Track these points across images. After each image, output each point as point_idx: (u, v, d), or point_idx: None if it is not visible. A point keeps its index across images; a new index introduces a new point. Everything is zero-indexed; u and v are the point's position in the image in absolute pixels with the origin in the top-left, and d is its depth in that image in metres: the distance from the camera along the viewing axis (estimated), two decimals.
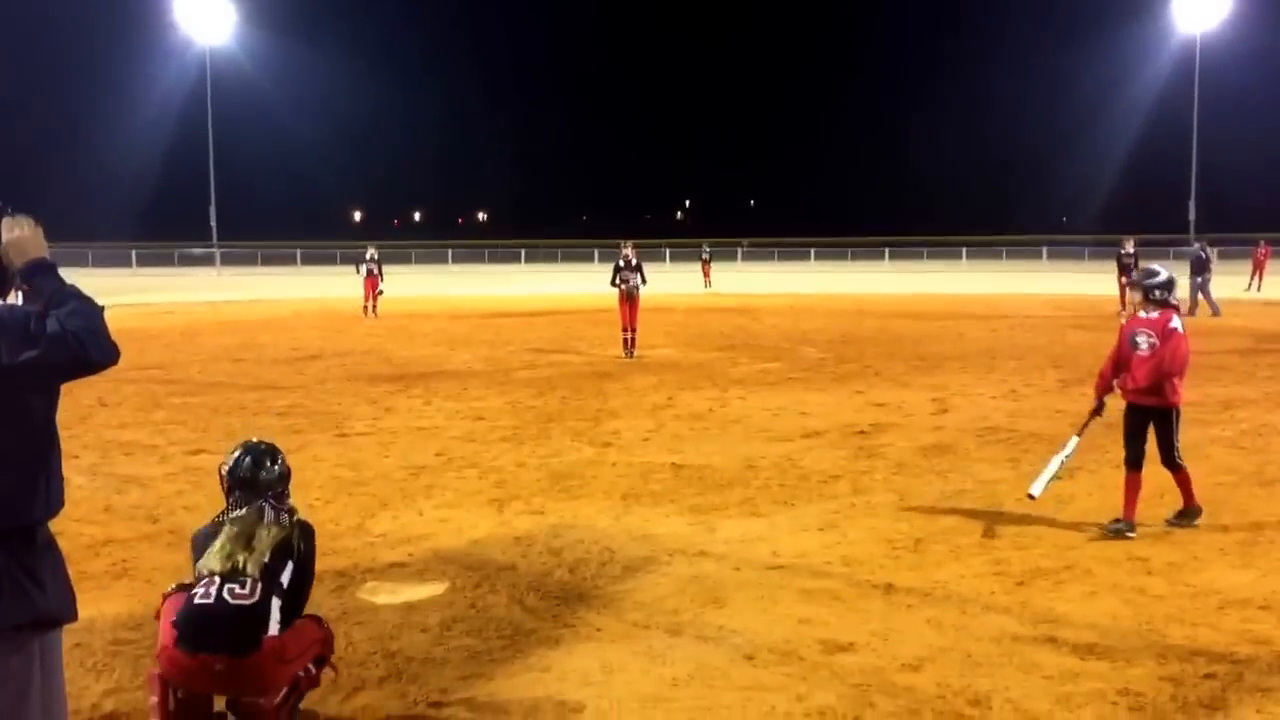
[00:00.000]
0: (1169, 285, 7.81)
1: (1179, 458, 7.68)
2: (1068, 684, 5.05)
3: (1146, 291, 7.78)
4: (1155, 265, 8.24)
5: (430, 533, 7.80)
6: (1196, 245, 30.34)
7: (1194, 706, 4.80)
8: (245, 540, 4.43)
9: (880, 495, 8.80)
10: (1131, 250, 29.67)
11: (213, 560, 4.40)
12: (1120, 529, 7.53)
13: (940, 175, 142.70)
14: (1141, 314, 7.80)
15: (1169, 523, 7.73)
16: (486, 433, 11.83)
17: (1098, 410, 7.99)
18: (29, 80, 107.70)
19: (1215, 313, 28.51)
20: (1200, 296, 29.24)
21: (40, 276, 3.11)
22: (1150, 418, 7.66)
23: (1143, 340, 7.65)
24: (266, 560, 4.39)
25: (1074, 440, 8.11)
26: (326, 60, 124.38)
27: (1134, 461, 7.68)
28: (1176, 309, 7.79)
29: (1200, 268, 29.53)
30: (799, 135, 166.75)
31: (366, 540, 7.62)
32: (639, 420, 12.59)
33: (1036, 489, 7.81)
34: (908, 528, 7.78)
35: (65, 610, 3.20)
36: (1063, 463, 7.97)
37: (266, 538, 4.47)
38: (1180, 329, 7.57)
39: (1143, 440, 7.69)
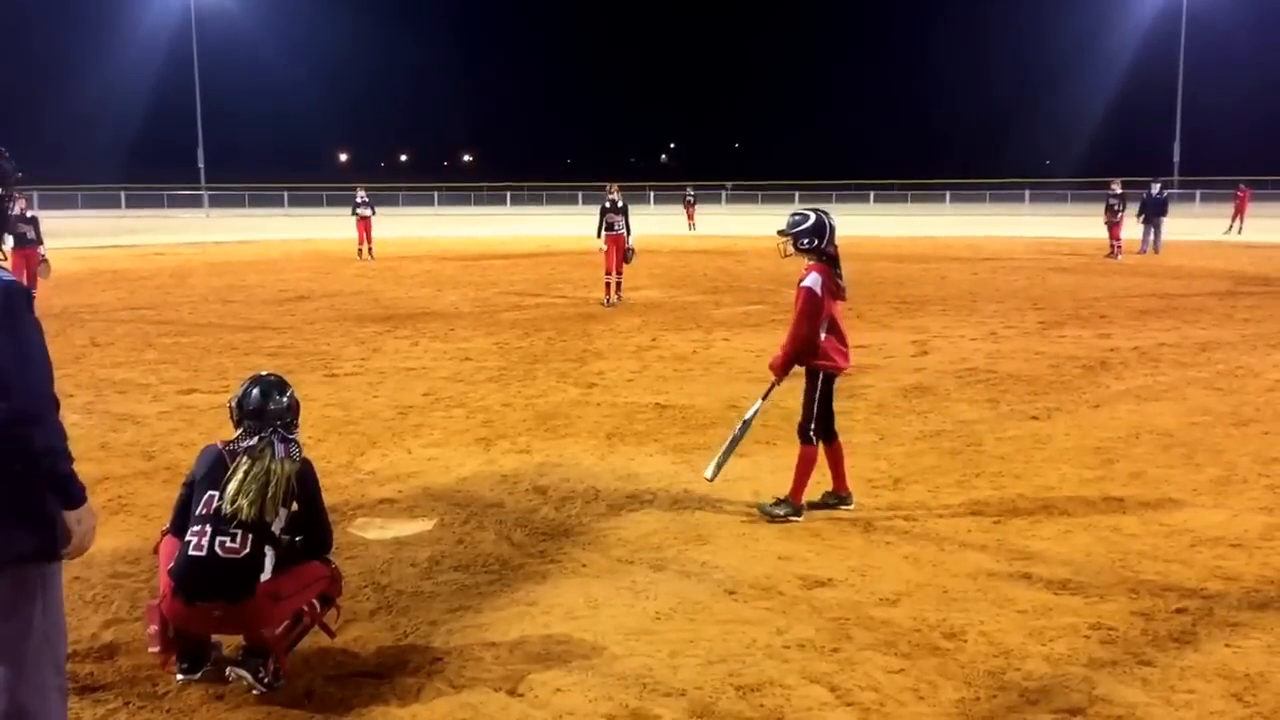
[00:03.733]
0: (818, 231, 6.73)
1: (812, 430, 6.74)
2: (1041, 618, 5.17)
3: (794, 240, 6.75)
4: (806, 208, 6.94)
5: (419, 471, 7.90)
6: (1156, 186, 30.62)
7: (1164, 640, 4.91)
8: (260, 484, 4.41)
9: (860, 435, 8.90)
10: (1119, 191, 29.78)
11: (226, 494, 4.39)
12: (814, 502, 6.91)
13: (924, 119, 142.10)
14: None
15: (773, 515, 6.71)
16: (473, 373, 11.92)
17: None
18: (14, 22, 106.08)
19: (1155, 251, 29.89)
20: (1151, 234, 30.24)
21: None
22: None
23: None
24: (263, 511, 4.39)
25: (753, 409, 7.06)
26: (313, 0, 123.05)
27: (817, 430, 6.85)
28: (827, 259, 6.77)
29: (1160, 208, 30.33)
30: (784, 78, 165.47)
31: (356, 477, 7.72)
32: (623, 361, 12.68)
33: (710, 471, 6.95)
34: (887, 466, 7.90)
35: (63, 545, 3.30)
36: (736, 439, 6.91)
37: (282, 479, 4.46)
38: (814, 287, 6.63)
39: (822, 406, 6.84)
